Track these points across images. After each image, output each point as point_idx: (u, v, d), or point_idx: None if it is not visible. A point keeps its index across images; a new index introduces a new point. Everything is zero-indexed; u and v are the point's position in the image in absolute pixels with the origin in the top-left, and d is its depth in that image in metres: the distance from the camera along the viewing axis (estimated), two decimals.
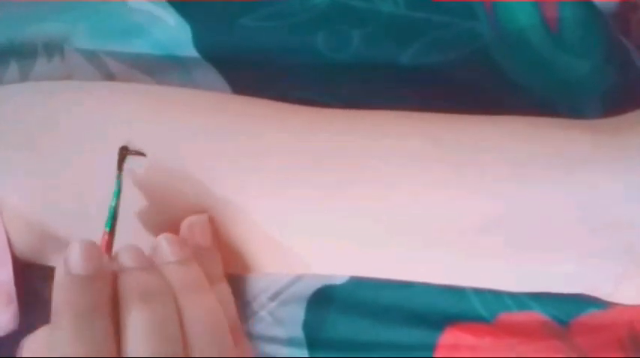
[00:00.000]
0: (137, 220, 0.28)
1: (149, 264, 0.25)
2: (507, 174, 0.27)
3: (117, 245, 0.26)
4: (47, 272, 0.28)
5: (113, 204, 0.26)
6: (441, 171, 0.27)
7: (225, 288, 0.27)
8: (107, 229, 0.26)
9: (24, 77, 0.31)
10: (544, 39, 0.31)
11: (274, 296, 0.29)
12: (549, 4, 0.32)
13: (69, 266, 0.23)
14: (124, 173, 0.27)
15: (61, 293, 0.23)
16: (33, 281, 0.29)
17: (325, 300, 0.28)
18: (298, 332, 0.28)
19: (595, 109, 0.31)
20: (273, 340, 0.29)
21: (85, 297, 0.23)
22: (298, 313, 0.28)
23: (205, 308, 0.24)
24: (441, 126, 0.28)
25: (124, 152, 0.27)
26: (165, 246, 0.25)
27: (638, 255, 0.27)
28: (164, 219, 0.28)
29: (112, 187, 0.27)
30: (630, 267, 0.27)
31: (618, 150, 0.27)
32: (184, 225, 0.27)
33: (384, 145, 0.27)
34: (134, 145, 0.27)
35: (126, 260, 0.25)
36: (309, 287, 0.29)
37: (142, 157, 0.27)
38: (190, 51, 0.30)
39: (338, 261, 0.28)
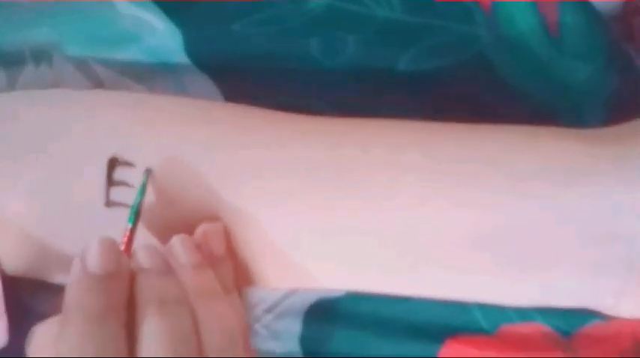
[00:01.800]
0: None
1: (166, 267, 0.25)
2: (504, 187, 0.26)
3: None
4: (38, 286, 0.29)
5: (138, 201, 0.26)
6: (436, 183, 0.26)
7: (236, 298, 0.27)
8: (130, 225, 0.26)
9: (11, 84, 0.31)
10: (544, 43, 0.31)
11: (270, 309, 0.28)
12: (549, 8, 0.32)
13: (86, 264, 0.23)
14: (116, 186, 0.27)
15: (75, 291, 0.23)
16: (23, 295, 0.29)
17: (323, 314, 0.28)
18: (295, 346, 0.28)
19: (596, 115, 0.31)
20: (269, 354, 0.28)
21: (98, 298, 0.22)
22: (295, 326, 0.28)
23: (219, 314, 0.24)
24: (436, 136, 0.28)
25: (114, 163, 0.27)
26: (179, 248, 0.25)
27: (635, 267, 0.26)
28: (170, 226, 0.27)
29: (102, 197, 0.27)
30: (629, 280, 0.26)
31: (615, 162, 0.26)
32: (199, 231, 0.27)
33: (378, 156, 0.27)
34: (123, 156, 0.27)
35: (144, 260, 0.24)
36: (306, 301, 0.28)
37: (131, 168, 0.27)
38: (181, 57, 0.30)
39: (335, 275, 0.28)
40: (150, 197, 0.27)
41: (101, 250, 0.23)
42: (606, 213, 0.26)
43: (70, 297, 0.23)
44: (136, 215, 0.26)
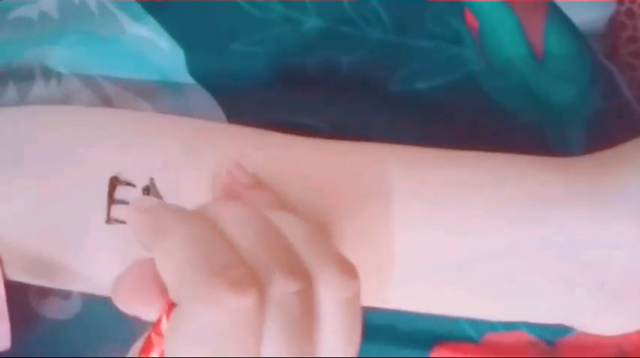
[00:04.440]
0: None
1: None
2: (483, 213, 0.27)
3: None
4: (47, 292, 0.29)
5: None
6: (421, 207, 0.27)
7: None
8: None
9: (22, 99, 0.31)
10: (530, 67, 0.32)
11: None
12: (535, 34, 0.32)
13: None
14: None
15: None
16: (32, 300, 0.29)
17: None
18: None
19: (579, 134, 0.32)
20: None
21: None
22: None
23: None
24: (421, 161, 0.28)
25: (115, 182, 0.28)
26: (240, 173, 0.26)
27: (609, 290, 0.27)
28: None
29: (103, 215, 0.28)
30: (602, 302, 0.27)
31: (590, 189, 0.27)
32: (222, 174, 0.27)
33: (363, 182, 0.27)
34: (124, 175, 0.28)
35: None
36: None
37: (132, 188, 0.28)
38: (185, 76, 0.31)
39: None
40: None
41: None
42: (582, 239, 0.27)
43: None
44: None
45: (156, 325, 0.21)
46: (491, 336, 0.29)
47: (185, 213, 0.22)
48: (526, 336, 0.29)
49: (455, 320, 0.29)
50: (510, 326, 0.29)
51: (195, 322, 0.20)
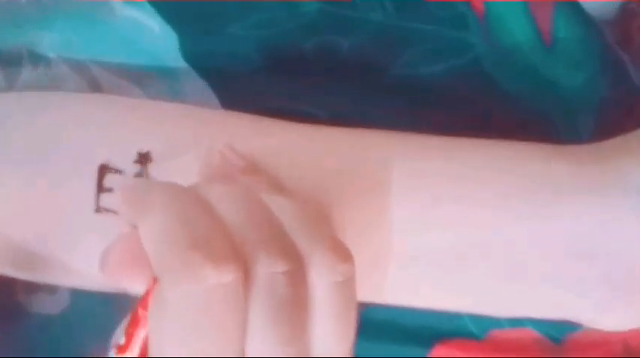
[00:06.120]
0: None
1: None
2: (487, 207, 0.26)
3: None
4: (35, 287, 0.29)
5: None
6: (424, 200, 0.27)
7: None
8: None
9: (10, 85, 0.31)
10: (538, 52, 0.31)
11: None
12: (543, 19, 0.32)
13: None
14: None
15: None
16: (19, 295, 0.29)
17: None
18: None
19: (587, 121, 0.31)
20: None
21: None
22: None
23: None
24: (425, 152, 0.28)
25: (104, 170, 0.27)
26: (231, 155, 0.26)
27: (614, 284, 0.27)
28: None
29: (92, 204, 0.27)
30: (607, 296, 0.27)
31: (599, 183, 0.27)
32: (215, 158, 0.26)
33: (361, 172, 0.27)
34: (114, 164, 0.27)
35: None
36: None
37: (122, 176, 0.27)
38: (178, 60, 0.30)
39: None
40: None
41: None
42: (589, 231, 0.26)
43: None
44: None
45: (142, 299, 0.20)
46: (495, 333, 0.28)
47: (171, 187, 0.21)
48: (531, 333, 0.28)
49: (457, 317, 0.28)
50: (515, 322, 0.28)
51: (173, 298, 0.19)
